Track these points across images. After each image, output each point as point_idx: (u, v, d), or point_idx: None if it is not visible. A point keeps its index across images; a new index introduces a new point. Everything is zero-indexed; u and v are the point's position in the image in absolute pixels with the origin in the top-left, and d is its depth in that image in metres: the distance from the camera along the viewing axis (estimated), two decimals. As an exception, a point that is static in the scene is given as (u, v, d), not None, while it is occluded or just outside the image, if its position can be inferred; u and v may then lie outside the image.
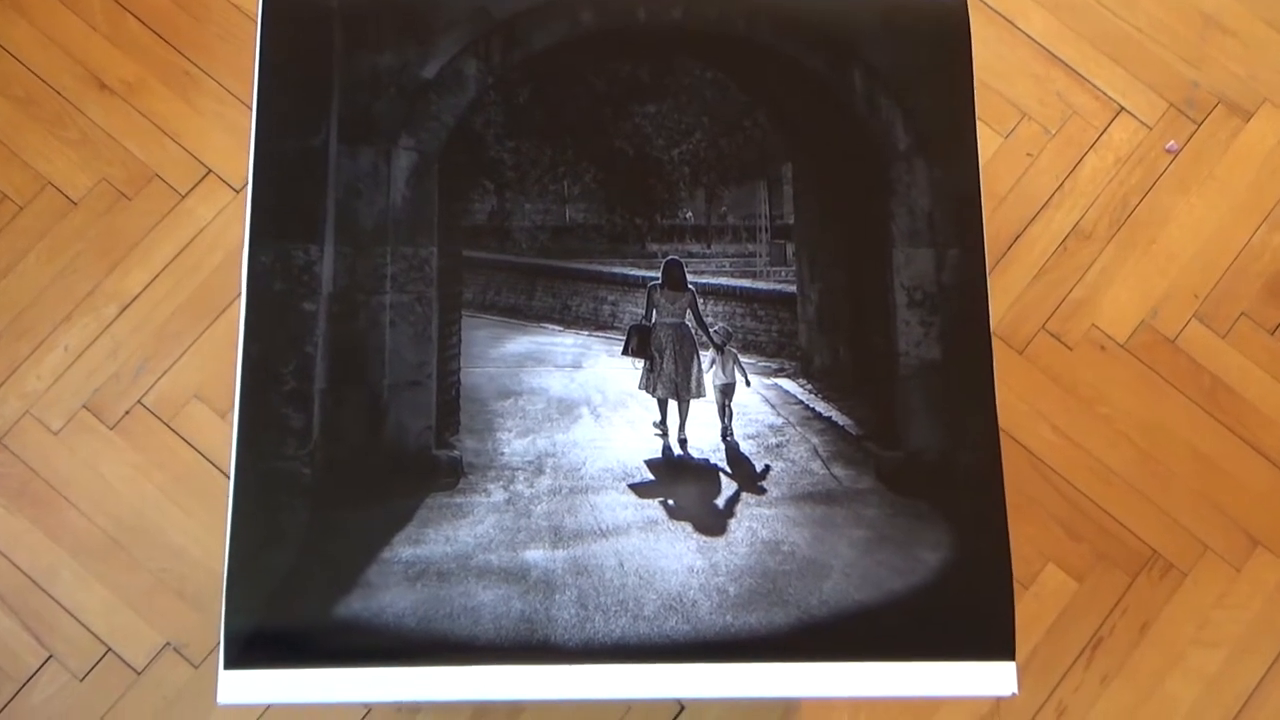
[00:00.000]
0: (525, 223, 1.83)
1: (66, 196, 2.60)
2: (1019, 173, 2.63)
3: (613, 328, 2.02)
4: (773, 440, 1.84)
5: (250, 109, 1.82)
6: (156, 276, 2.57)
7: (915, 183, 1.83)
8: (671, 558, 1.70)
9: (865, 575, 1.69)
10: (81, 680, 2.34)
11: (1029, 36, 2.75)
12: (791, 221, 1.89)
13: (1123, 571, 2.44)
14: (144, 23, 2.70)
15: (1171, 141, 2.65)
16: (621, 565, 1.69)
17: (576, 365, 1.96)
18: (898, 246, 1.83)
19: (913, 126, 1.86)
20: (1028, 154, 2.66)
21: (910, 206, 1.83)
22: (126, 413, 2.49)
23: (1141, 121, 2.66)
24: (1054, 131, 2.70)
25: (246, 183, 1.78)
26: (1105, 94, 2.68)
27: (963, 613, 1.71)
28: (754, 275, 1.97)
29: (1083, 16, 2.71)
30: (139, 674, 2.34)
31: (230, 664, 1.63)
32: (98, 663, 2.35)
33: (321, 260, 1.77)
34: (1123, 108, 2.67)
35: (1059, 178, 2.66)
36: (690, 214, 1.90)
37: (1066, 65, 2.71)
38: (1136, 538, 2.45)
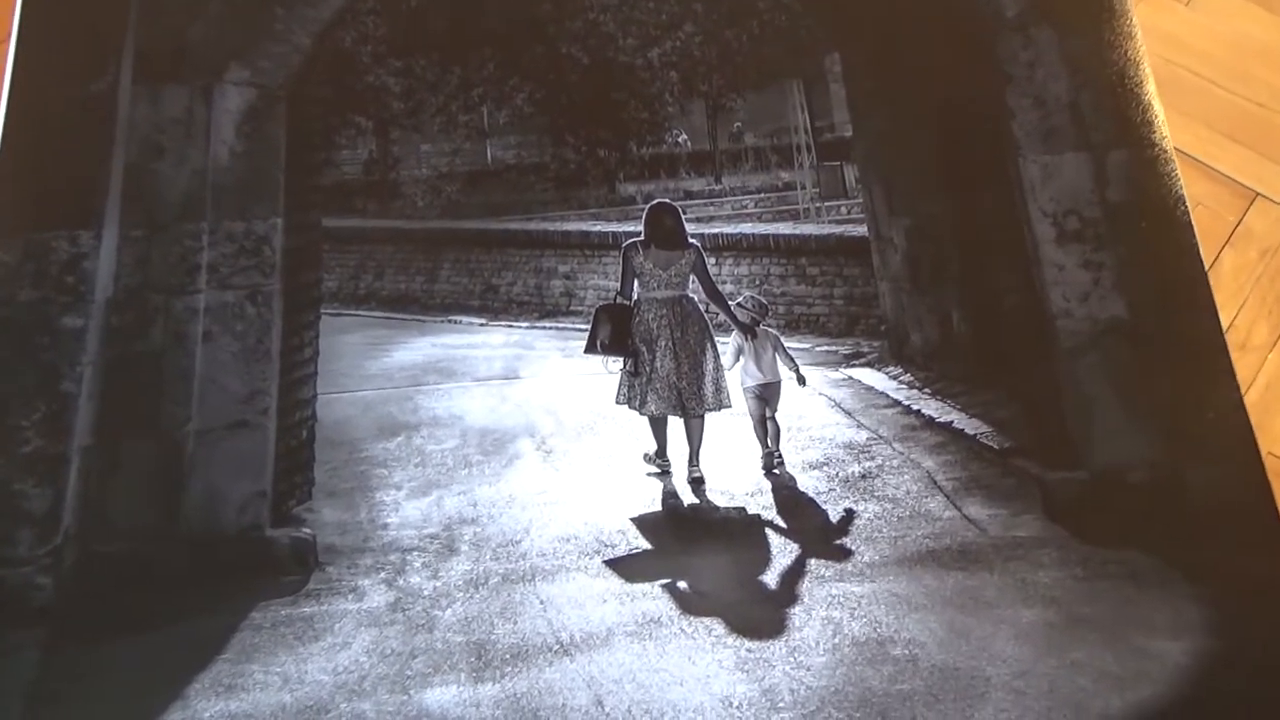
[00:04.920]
0: (422, 171, 1.54)
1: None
2: (1143, 279, 2.30)
3: (568, 313, 1.53)
4: (854, 467, 1.22)
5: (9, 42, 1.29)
6: None
7: (1041, 62, 1.31)
8: (691, 683, 1.08)
9: (1052, 689, 1.05)
10: None
11: (1129, 125, 2.50)
12: (848, 134, 1.46)
13: None
14: None
15: (1323, 224, 2.67)
16: (600, 704, 1.05)
17: (510, 376, 1.41)
18: (1026, 155, 1.28)
19: (1024, -19, 1.37)
20: (1152, 256, 2.43)
21: (1038, 96, 1.30)
22: None
23: (1283, 206, 2.74)
24: (1179, 227, 2.45)
25: (-8, 148, 1.23)
26: (1233, 179, 2.44)
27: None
28: (796, 215, 1.55)
29: (1190, 96, 2.46)
30: None
31: None
32: None
33: (97, 251, 1.23)
34: (1258, 193, 2.44)
35: (1194, 279, 2.34)
36: (684, 136, 1.62)
37: (1181, 151, 2.45)
38: None
